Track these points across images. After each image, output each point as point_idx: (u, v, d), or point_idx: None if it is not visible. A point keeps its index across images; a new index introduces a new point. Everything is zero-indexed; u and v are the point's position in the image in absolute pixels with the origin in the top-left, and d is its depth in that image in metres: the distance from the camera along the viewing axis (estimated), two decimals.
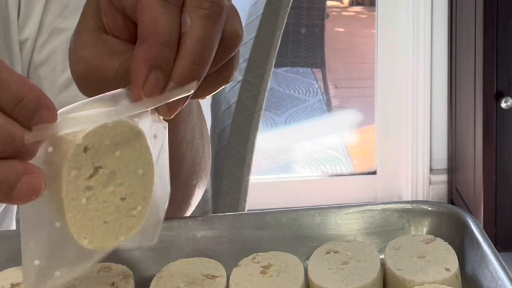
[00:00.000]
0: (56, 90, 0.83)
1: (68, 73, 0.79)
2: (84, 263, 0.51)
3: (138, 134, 0.50)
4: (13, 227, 0.97)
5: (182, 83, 0.52)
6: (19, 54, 0.84)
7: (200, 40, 0.52)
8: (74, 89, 0.80)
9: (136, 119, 0.51)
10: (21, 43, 0.84)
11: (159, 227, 0.55)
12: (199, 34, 0.52)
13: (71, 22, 0.84)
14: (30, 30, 0.83)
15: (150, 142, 0.51)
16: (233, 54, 0.56)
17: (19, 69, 0.84)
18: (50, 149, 0.47)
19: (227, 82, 0.58)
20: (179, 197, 0.79)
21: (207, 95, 0.58)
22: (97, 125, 0.48)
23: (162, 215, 0.55)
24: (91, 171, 0.48)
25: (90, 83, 0.58)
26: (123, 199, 0.51)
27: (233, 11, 0.56)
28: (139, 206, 0.51)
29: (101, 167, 0.49)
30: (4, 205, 0.93)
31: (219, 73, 0.56)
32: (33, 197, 0.46)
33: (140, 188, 0.51)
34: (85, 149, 0.48)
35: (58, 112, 0.48)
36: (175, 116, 0.67)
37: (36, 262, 0.49)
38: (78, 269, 0.51)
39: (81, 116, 0.49)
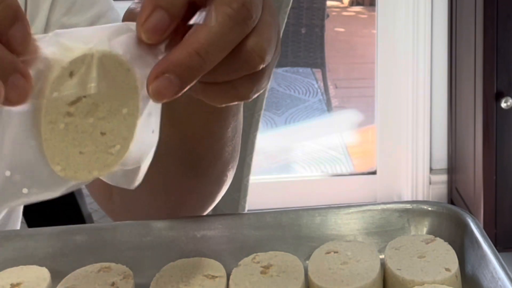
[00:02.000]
0: None
1: None
2: (55, 189, 0.51)
3: (127, 72, 0.49)
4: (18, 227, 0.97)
5: (177, 69, 0.49)
6: None
7: (212, 35, 0.49)
8: None
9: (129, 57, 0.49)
10: None
11: (139, 174, 0.54)
12: (215, 29, 0.50)
13: (78, 19, 0.84)
14: (36, 27, 0.83)
15: (140, 85, 0.50)
16: (252, 72, 0.53)
17: None
18: (40, 66, 0.47)
19: (243, 99, 0.55)
20: (208, 191, 0.78)
21: (220, 104, 0.56)
22: (87, 51, 0.48)
23: (144, 162, 0.54)
24: (73, 98, 0.48)
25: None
26: (102, 134, 0.50)
27: (267, 27, 0.53)
28: (118, 145, 0.51)
29: (84, 97, 0.48)
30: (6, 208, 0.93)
31: (234, 87, 0.54)
32: (20, 98, 0.46)
33: (122, 127, 0.50)
34: (71, 74, 0.47)
35: (56, 31, 0.48)
36: (224, 111, 0.66)
37: (7, 173, 0.48)
38: (46, 193, 0.51)
39: (75, 39, 0.48)
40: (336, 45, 4.92)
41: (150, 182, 0.77)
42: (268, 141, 3.61)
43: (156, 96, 0.49)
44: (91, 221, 1.55)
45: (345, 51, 4.96)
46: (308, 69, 4.45)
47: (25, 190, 0.49)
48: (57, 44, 0.48)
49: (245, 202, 1.34)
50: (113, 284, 0.63)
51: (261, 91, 0.57)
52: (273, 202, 2.87)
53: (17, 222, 0.97)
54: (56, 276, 0.67)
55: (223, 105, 0.56)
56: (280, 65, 4.17)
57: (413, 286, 0.61)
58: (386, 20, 2.89)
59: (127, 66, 0.49)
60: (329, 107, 4.23)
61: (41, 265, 0.67)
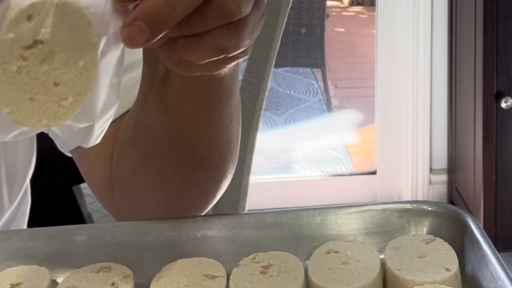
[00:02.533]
0: None
1: None
2: (3, 131, 0.51)
3: (88, 26, 0.49)
4: (25, 225, 0.97)
5: (146, 17, 0.49)
6: None
7: None
8: None
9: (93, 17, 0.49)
10: None
11: (93, 133, 0.54)
12: None
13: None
14: None
15: (102, 42, 0.50)
16: (230, 22, 0.53)
17: None
18: (1, 5, 0.47)
19: (223, 52, 0.54)
20: (207, 185, 0.78)
21: (201, 60, 0.55)
22: None
23: (100, 122, 0.53)
24: (29, 42, 0.48)
25: None
26: (56, 84, 0.50)
27: None
28: (71, 98, 0.50)
29: (41, 43, 0.48)
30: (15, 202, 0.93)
31: (212, 38, 0.53)
32: None
33: (77, 81, 0.50)
34: (29, 17, 0.48)
35: None
36: (215, 93, 0.66)
37: None
38: None
39: None
40: (336, 45, 4.92)
41: (147, 174, 0.77)
42: (268, 141, 3.61)
43: (127, 42, 0.50)
44: (91, 221, 1.55)
45: (345, 51, 4.96)
46: (308, 69, 4.45)
47: None
48: None
49: (245, 202, 1.34)
50: (113, 284, 0.63)
51: (244, 50, 0.56)
52: (273, 202, 2.87)
53: (23, 222, 0.97)
54: (56, 276, 0.67)
55: (206, 61, 0.55)
56: (280, 65, 4.17)
57: (413, 286, 0.61)
58: (386, 20, 2.89)
59: (88, 19, 0.49)
60: (329, 107, 4.23)
61: (41, 265, 0.67)
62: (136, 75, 0.80)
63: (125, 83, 0.81)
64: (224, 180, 0.79)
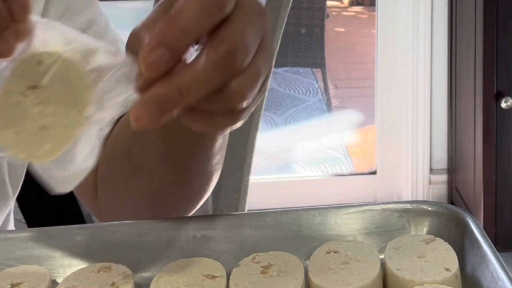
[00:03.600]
0: None
1: None
2: None
3: (84, 89, 0.53)
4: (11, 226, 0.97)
5: (157, 100, 0.52)
6: None
7: (195, 76, 0.53)
8: None
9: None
10: None
11: (66, 180, 0.57)
12: (199, 71, 0.53)
13: (72, 24, 0.84)
14: None
15: (93, 108, 0.54)
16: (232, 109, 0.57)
17: None
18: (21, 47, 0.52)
19: (218, 131, 0.60)
20: (192, 198, 0.82)
21: (195, 129, 0.58)
22: (59, 50, 0.52)
23: (70, 172, 0.56)
24: (33, 83, 0.53)
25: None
26: (42, 128, 0.54)
27: (256, 73, 0.56)
28: (50, 145, 0.54)
29: (45, 87, 0.53)
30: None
31: (211, 118, 0.57)
32: (6, 53, 0.52)
33: (60, 132, 0.54)
34: (39, 62, 0.53)
35: (53, 22, 0.53)
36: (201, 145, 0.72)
37: None
38: None
39: (61, 35, 0.53)
40: (336, 45, 4.92)
41: (137, 185, 0.80)
42: (268, 141, 3.60)
43: (135, 120, 0.53)
44: (91, 221, 1.55)
45: (345, 51, 4.96)
46: (308, 69, 4.44)
47: None
48: (45, 31, 0.52)
49: (245, 202, 1.34)
50: (113, 284, 0.64)
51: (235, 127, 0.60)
52: (273, 202, 2.87)
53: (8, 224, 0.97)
54: (56, 276, 0.67)
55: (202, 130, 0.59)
56: (280, 65, 4.17)
57: (413, 286, 0.61)
58: (386, 20, 2.89)
59: (87, 83, 0.53)
60: (329, 107, 4.23)
61: (41, 265, 0.67)
62: None
63: None
64: (207, 193, 0.83)
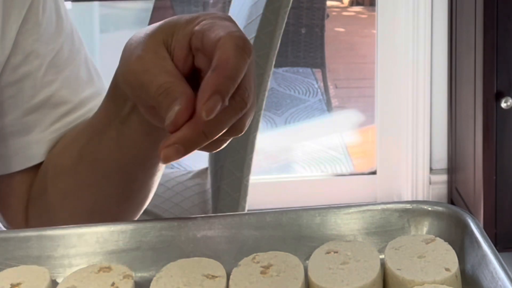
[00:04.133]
0: (20, 113, 0.85)
1: (34, 101, 0.83)
2: None
3: None
4: None
5: (185, 142, 0.62)
6: None
7: (218, 122, 0.63)
8: (38, 114, 0.84)
9: None
10: None
11: None
12: (221, 118, 0.63)
13: (47, 47, 0.86)
14: (3, 49, 0.83)
15: None
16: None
17: None
18: None
19: (212, 150, 0.68)
20: (132, 211, 0.86)
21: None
22: None
23: None
24: None
25: (132, 81, 0.67)
26: None
27: (253, 107, 0.67)
28: None
29: None
30: None
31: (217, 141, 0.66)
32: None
33: None
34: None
35: None
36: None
37: None
38: None
39: None
40: (336, 45, 4.92)
41: (78, 203, 0.84)
42: (268, 141, 3.60)
43: (164, 160, 0.61)
44: None
45: (345, 51, 4.96)
46: (308, 69, 4.44)
47: None
48: None
49: (245, 202, 1.34)
50: (113, 284, 0.64)
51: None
52: (273, 202, 2.87)
53: None
54: (56, 276, 0.67)
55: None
56: (280, 65, 4.17)
57: (413, 286, 0.61)
58: (386, 20, 2.89)
59: None
60: (329, 107, 4.23)
61: (41, 265, 0.67)
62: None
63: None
64: (142, 211, 0.88)
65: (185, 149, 0.61)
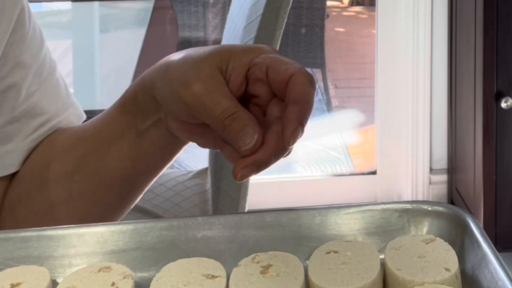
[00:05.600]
0: (2, 122, 0.85)
1: (17, 111, 0.83)
2: None
3: None
4: None
5: (259, 164, 0.69)
6: None
7: (283, 149, 0.71)
8: (19, 123, 0.84)
9: None
10: None
11: None
12: (283, 143, 0.71)
13: (33, 58, 0.86)
14: None
15: None
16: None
17: None
18: None
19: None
20: (118, 217, 0.88)
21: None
22: None
23: None
24: None
25: (191, 101, 0.71)
26: None
27: None
28: None
29: None
30: None
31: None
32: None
33: None
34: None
35: None
36: (175, 154, 0.83)
37: None
38: None
39: None
40: (336, 45, 4.92)
41: (69, 210, 0.84)
42: None
43: (241, 178, 0.68)
44: None
45: (345, 51, 4.96)
46: (308, 69, 4.43)
47: None
48: None
49: (245, 202, 1.34)
50: (113, 284, 0.64)
51: None
52: (273, 202, 2.87)
53: None
54: (56, 276, 0.67)
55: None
56: None
57: (413, 286, 0.61)
58: (386, 20, 2.89)
59: None
60: (329, 107, 4.23)
61: (41, 265, 0.67)
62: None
63: None
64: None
65: (257, 170, 0.69)
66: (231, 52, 0.73)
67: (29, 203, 0.85)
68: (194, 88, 0.71)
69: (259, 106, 0.74)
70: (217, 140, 0.74)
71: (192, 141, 0.78)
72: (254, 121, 0.70)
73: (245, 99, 0.74)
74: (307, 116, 0.70)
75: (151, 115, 0.78)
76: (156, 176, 0.84)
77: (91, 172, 0.82)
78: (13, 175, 0.87)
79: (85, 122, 0.89)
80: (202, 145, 0.77)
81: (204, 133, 0.75)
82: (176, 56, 0.75)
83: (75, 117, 0.91)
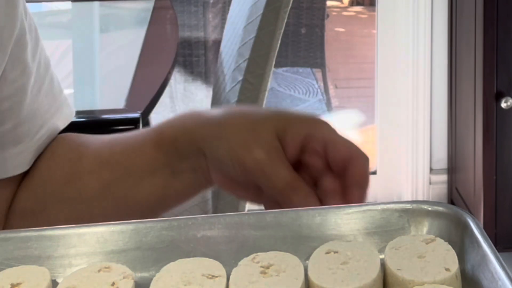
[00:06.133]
0: (13, 124, 0.85)
1: (25, 112, 0.84)
2: None
3: None
4: None
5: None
6: None
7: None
8: (27, 124, 0.84)
9: None
10: None
11: None
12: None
13: (33, 58, 0.87)
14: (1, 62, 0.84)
15: None
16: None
17: None
18: None
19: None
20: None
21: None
22: None
23: None
24: None
25: (251, 167, 0.73)
26: None
27: None
28: None
29: None
30: None
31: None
32: None
33: None
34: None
35: None
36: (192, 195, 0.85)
37: None
38: None
39: None
40: (336, 45, 4.92)
41: (72, 214, 0.83)
42: None
43: (295, 204, 0.73)
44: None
45: (345, 51, 4.96)
46: (308, 69, 4.44)
47: None
48: None
49: (245, 202, 1.34)
50: (113, 284, 0.63)
51: None
52: None
53: None
54: (56, 276, 0.67)
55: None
56: (280, 65, 4.17)
57: (413, 286, 0.61)
58: (386, 20, 2.89)
59: None
60: (329, 107, 4.23)
61: (41, 265, 0.67)
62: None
63: None
64: None
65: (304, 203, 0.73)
66: (288, 119, 0.75)
67: (45, 217, 0.85)
68: (255, 154, 0.73)
69: (310, 175, 0.75)
70: (260, 197, 0.76)
71: (232, 193, 0.79)
72: (313, 194, 0.73)
73: (295, 166, 0.75)
74: (366, 198, 0.76)
75: (191, 160, 0.79)
76: (177, 207, 0.85)
77: (119, 198, 0.83)
78: (22, 176, 0.87)
79: (103, 140, 0.87)
80: (242, 197, 0.79)
81: (248, 189, 0.76)
82: (228, 114, 0.77)
83: (69, 114, 0.91)
